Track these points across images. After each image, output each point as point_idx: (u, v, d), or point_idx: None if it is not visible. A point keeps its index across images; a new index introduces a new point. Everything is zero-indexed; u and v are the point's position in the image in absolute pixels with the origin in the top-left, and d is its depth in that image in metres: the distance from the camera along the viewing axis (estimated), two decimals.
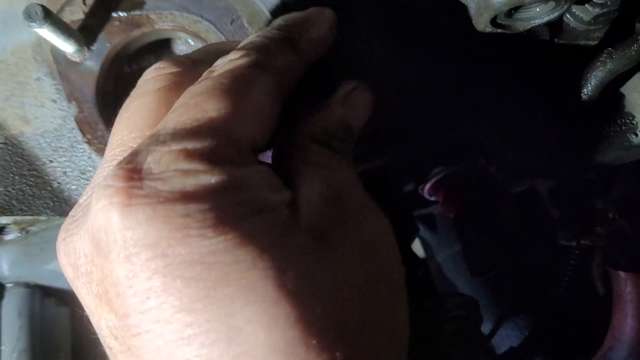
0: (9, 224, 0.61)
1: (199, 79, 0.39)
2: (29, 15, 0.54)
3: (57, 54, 0.62)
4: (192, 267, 0.30)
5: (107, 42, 0.61)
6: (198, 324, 0.30)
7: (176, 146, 0.32)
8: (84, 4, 0.62)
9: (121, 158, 0.35)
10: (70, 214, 0.37)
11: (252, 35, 0.44)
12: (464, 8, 0.51)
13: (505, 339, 0.73)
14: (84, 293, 0.35)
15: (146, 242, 0.30)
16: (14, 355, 0.62)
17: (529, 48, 0.55)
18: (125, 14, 0.61)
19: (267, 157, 0.56)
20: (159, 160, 0.32)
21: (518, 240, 0.74)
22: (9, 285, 0.64)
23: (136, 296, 0.31)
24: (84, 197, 0.37)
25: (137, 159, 0.32)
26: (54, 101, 0.62)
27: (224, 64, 0.39)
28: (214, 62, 0.41)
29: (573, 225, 0.57)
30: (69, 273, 0.36)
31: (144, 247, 0.30)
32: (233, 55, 0.40)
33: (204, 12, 0.60)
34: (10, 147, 0.61)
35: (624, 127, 0.53)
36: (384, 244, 0.38)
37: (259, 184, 0.34)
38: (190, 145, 0.33)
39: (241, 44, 0.43)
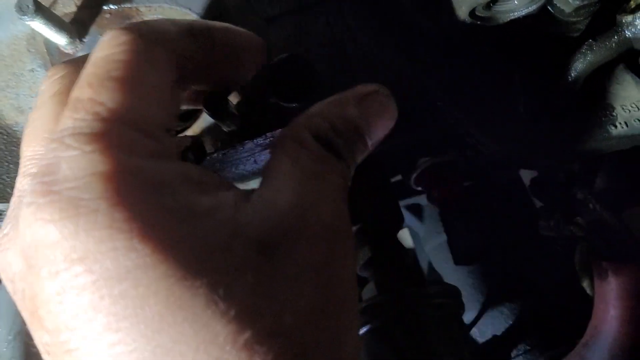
0: (3, 211, 0.63)
1: (84, 65, 0.35)
2: (20, 8, 0.55)
3: (50, 46, 0.63)
4: (120, 283, 0.29)
5: (99, 35, 0.63)
6: (125, 342, 0.29)
7: (85, 147, 0.30)
8: None
9: (34, 171, 0.33)
10: (2, 227, 0.35)
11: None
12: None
13: (490, 327, 0.74)
14: (22, 310, 0.33)
15: (74, 257, 0.29)
16: (10, 337, 0.64)
17: (510, 41, 0.55)
18: (116, 7, 0.63)
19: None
20: (73, 167, 0.30)
21: (504, 229, 0.75)
22: None
23: (65, 313, 0.30)
24: (11, 209, 0.36)
25: (51, 170, 0.31)
26: None
27: (108, 43, 0.35)
28: None
29: (554, 216, 0.57)
30: (8, 288, 0.34)
31: (72, 262, 0.29)
32: (118, 32, 0.36)
33: (192, 5, 0.62)
34: (5, 137, 0.63)
35: (603, 119, 0.54)
36: (339, 269, 0.35)
37: (188, 185, 0.32)
38: (100, 143, 0.31)
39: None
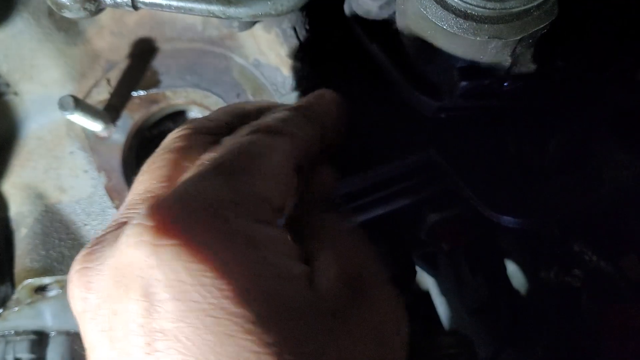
0: (51, 283, 0.69)
1: (233, 135, 0.40)
2: (62, 105, 0.62)
3: (87, 130, 0.70)
4: (204, 317, 0.30)
5: (130, 118, 0.69)
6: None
7: (220, 190, 0.34)
8: (109, 84, 0.70)
9: (147, 203, 0.36)
10: (87, 247, 0.37)
11: (280, 107, 0.46)
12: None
13: None
14: (89, 328, 0.34)
15: (166, 284, 0.30)
16: None
17: (503, 112, 0.60)
18: (144, 92, 0.69)
19: None
20: (192, 208, 0.32)
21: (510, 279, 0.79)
22: (52, 333, 0.71)
23: (145, 336, 0.30)
24: (103, 233, 0.38)
25: (167, 203, 0.33)
26: (86, 172, 0.70)
27: (253, 127, 0.40)
28: (230, 123, 0.43)
29: (553, 268, 0.61)
30: (77, 305, 0.35)
31: (163, 288, 0.30)
32: (264, 119, 0.42)
33: (212, 88, 0.68)
34: (50, 214, 0.70)
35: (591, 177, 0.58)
36: (394, 323, 0.38)
37: (286, 250, 0.34)
38: (228, 196, 0.34)
39: (269, 114, 0.44)
